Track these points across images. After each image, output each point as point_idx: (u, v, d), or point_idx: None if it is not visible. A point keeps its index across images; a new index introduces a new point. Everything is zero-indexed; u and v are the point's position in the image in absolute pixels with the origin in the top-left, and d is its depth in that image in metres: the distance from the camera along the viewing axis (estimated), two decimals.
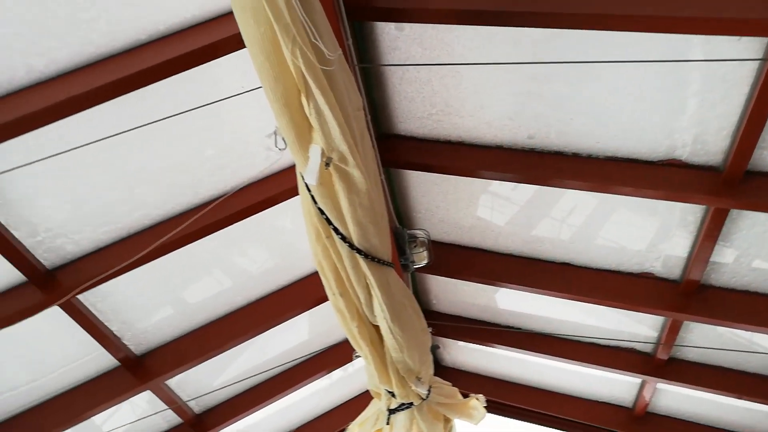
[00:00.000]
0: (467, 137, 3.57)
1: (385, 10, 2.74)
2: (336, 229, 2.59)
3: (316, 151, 2.16)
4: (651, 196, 3.33)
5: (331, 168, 2.24)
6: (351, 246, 2.66)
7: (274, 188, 3.64)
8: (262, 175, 3.64)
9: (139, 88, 2.75)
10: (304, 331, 5.09)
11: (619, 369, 4.81)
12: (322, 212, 2.53)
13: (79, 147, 2.75)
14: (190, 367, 4.23)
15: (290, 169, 3.66)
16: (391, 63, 3.13)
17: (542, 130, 3.38)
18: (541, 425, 5.95)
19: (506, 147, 3.55)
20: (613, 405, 5.55)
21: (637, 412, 5.33)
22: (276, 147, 2.37)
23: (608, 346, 4.86)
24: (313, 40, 1.82)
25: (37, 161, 2.74)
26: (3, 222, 3.06)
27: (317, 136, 2.15)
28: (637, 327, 4.58)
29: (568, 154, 3.44)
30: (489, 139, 3.55)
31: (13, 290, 3.34)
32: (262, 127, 3.45)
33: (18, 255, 3.15)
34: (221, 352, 4.29)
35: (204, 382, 4.83)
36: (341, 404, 6.11)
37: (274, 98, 2.00)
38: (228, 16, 2.89)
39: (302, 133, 2.15)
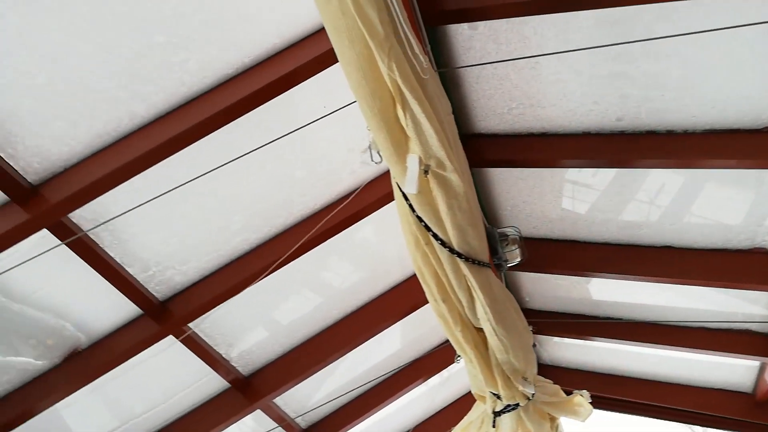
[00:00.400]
0: (551, 127, 3.49)
1: (459, 12, 2.73)
2: (435, 235, 2.60)
3: (413, 160, 2.18)
4: (759, 166, 3.13)
5: (429, 175, 2.24)
6: (451, 250, 2.65)
7: (361, 202, 3.69)
8: (349, 190, 3.71)
9: (231, 121, 2.87)
10: (398, 340, 5.12)
11: (735, 353, 4.52)
12: (420, 219, 2.54)
13: (183, 184, 2.89)
14: (294, 384, 4.35)
15: (373, 183, 3.72)
16: (470, 64, 3.11)
17: (631, 111, 3.25)
18: (653, 417, 5.69)
19: (593, 133, 3.44)
20: (731, 391, 5.22)
21: (759, 397, 4.99)
22: (372, 161, 2.41)
23: (720, 330, 4.58)
24: (409, 52, 1.84)
25: (146, 202, 2.90)
26: (118, 260, 3.28)
27: (414, 145, 2.16)
28: (751, 307, 4.30)
29: (662, 132, 3.29)
30: (574, 127, 3.45)
31: (131, 324, 3.56)
32: (344, 143, 3.52)
33: (133, 290, 3.36)
34: (323, 367, 4.38)
35: (306, 397, 4.95)
36: (440, 410, 6.08)
37: (372, 114, 2.03)
38: (305, 40, 2.97)
39: (399, 144, 2.17)
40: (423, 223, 2.54)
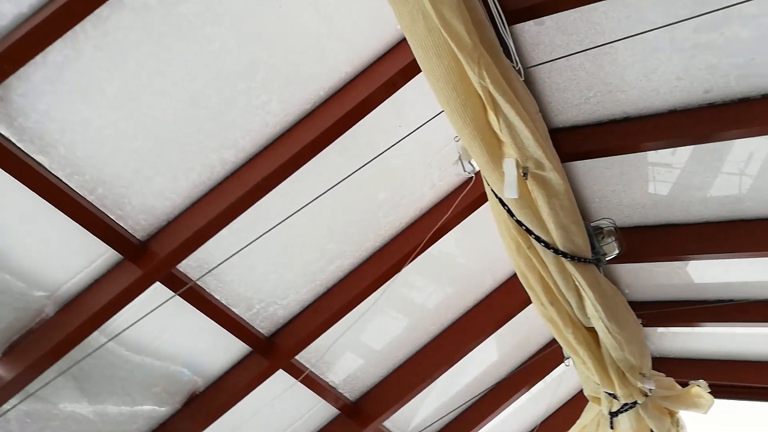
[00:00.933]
0: (633, 111, 3.37)
1: (527, 10, 2.70)
2: (538, 238, 2.55)
3: (510, 164, 2.15)
4: None
5: (528, 177, 2.20)
6: (555, 251, 2.59)
7: (441, 215, 3.68)
8: (431, 204, 3.71)
9: (316, 154, 2.95)
10: (496, 349, 5.03)
11: None
12: (520, 224, 2.50)
13: (280, 222, 2.97)
14: (402, 405, 4.34)
15: (454, 194, 3.71)
16: (548, 59, 3.05)
17: (719, 81, 3.09)
18: None
19: (680, 110, 3.29)
20: None
21: None
22: (465, 172, 2.40)
23: None
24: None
25: (247, 245, 3.00)
26: (224, 302, 3.40)
27: (509, 149, 2.14)
28: None
29: (756, 96, 3.11)
30: (658, 107, 3.31)
31: (242, 362, 3.68)
32: (420, 159, 3.53)
33: (241, 329, 3.48)
34: (427, 385, 4.36)
35: (409, 416, 4.93)
36: (547, 418, 5.90)
37: (464, 124, 2.03)
38: (374, 65, 3.02)
39: (494, 151, 2.15)
40: (524, 227, 2.50)
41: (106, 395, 3.44)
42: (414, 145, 3.44)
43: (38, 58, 2.33)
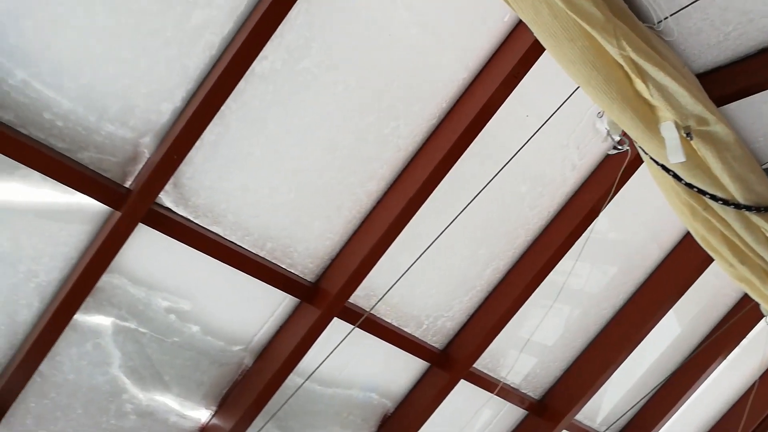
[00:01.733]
0: None
1: None
2: (714, 197, 2.34)
3: (669, 127, 2.02)
4: None
5: (692, 136, 2.05)
6: (737, 206, 2.37)
7: (593, 195, 3.52)
8: (576, 186, 3.57)
9: (452, 166, 2.97)
10: (675, 323, 4.68)
11: None
12: (691, 186, 2.32)
13: (435, 239, 3.02)
14: (591, 396, 4.18)
15: (596, 174, 3.54)
16: (678, 9, 2.84)
17: None
18: None
19: None
20: None
21: None
22: (617, 148, 2.29)
23: None
24: (635, 20, 1.74)
25: (409, 267, 3.07)
26: (396, 324, 3.52)
27: (664, 112, 2.01)
28: None
29: None
30: None
31: (424, 378, 3.77)
32: (554, 142, 3.41)
33: (416, 347, 3.58)
34: (612, 372, 4.16)
35: (597, 405, 4.72)
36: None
37: (611, 100, 1.94)
38: (489, 64, 2.99)
39: (648, 118, 2.03)
40: (695, 189, 2.31)
41: (309, 431, 3.70)
42: (544, 130, 3.34)
43: (197, 142, 2.60)
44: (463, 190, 3.20)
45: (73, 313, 2.68)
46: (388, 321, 3.49)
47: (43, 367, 2.88)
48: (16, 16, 2.21)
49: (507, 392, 3.98)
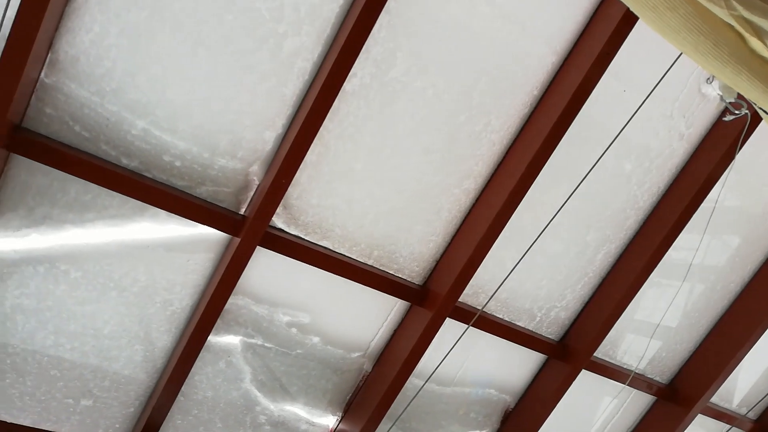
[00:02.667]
0: None
1: None
2: None
3: None
4: None
5: None
6: None
7: (703, 166, 3.30)
8: (686, 156, 3.37)
9: (549, 155, 2.90)
10: None
11: None
12: None
13: (543, 230, 2.99)
14: (725, 377, 3.92)
15: (707, 141, 3.31)
16: None
17: None
18: None
19: None
20: None
21: None
22: (734, 114, 2.14)
23: None
24: None
25: (518, 262, 3.05)
26: (508, 320, 3.50)
27: None
28: None
29: None
30: None
31: (542, 371, 3.71)
32: (657, 112, 3.24)
33: (531, 340, 3.52)
34: (747, 349, 3.88)
35: (732, 387, 4.41)
36: None
37: (723, 63, 1.83)
38: (578, 45, 2.90)
39: (767, 77, 1.88)
40: None
41: (432, 431, 3.75)
42: (637, 104, 3.19)
43: (301, 164, 2.73)
44: (564, 176, 3.13)
45: (207, 335, 2.89)
46: (500, 317, 3.47)
47: (184, 386, 3.14)
48: (132, 73, 2.44)
49: (635, 380, 3.81)
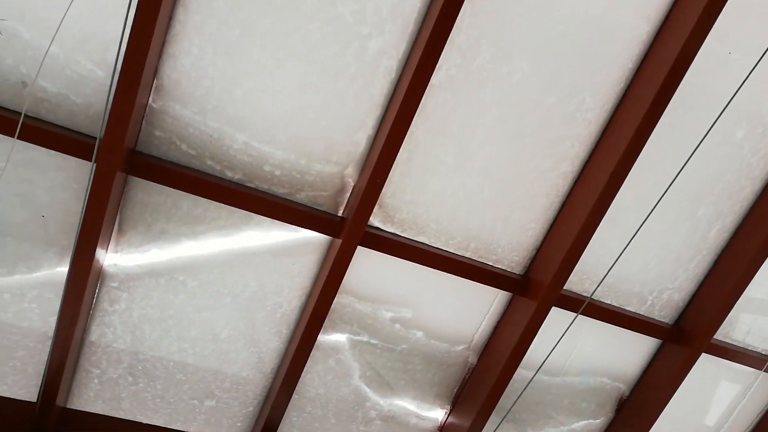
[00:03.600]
0: None
1: None
2: None
3: None
4: None
5: None
6: None
7: None
8: None
9: (653, 129, 2.75)
10: None
11: None
12: None
13: (654, 207, 2.83)
14: None
15: None
16: None
17: None
18: None
19: None
20: None
21: None
22: None
23: None
24: None
25: (630, 241, 2.92)
26: (617, 305, 3.35)
27: None
28: None
29: None
30: None
31: (657, 357, 3.53)
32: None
33: (643, 324, 3.36)
34: None
35: None
36: None
37: None
38: (674, 9, 2.72)
39: None
40: None
41: (543, 422, 3.68)
42: (751, 64, 2.94)
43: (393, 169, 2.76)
44: (668, 150, 2.96)
45: (317, 334, 3.00)
46: (608, 302, 3.33)
47: (298, 385, 3.27)
48: (228, 89, 2.56)
49: (757, 360, 3.55)
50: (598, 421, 3.72)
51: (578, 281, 3.27)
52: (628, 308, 3.37)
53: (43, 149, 2.54)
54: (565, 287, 3.21)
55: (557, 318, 3.26)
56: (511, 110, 2.83)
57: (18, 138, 2.40)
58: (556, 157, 2.96)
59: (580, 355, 3.51)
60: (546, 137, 2.91)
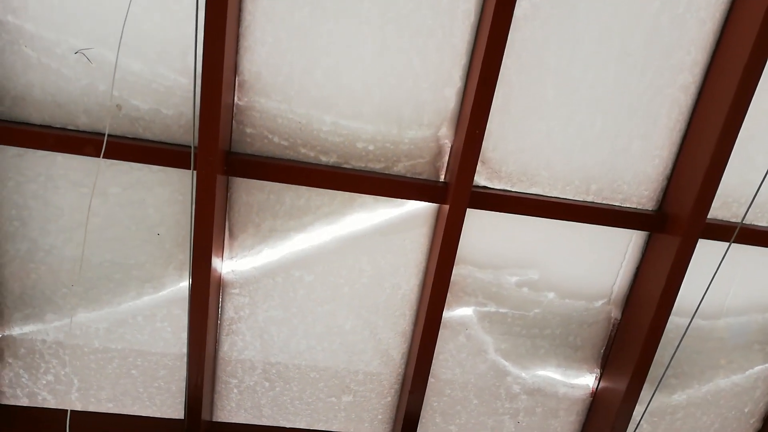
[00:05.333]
0: None
1: None
2: None
3: None
4: None
5: None
6: None
7: None
8: None
9: None
10: None
11: None
12: None
13: None
14: None
15: None
16: None
17: None
18: None
19: None
20: None
21: None
22: None
23: None
24: None
25: None
26: None
27: None
28: None
29: None
30: None
31: None
32: None
33: None
34: None
35: None
36: None
37: None
38: None
39: None
40: None
41: (710, 373, 3.27)
42: None
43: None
44: None
45: (442, 309, 2.84)
46: (763, 225, 2.90)
47: (432, 367, 3.12)
48: (308, 71, 2.50)
49: None
50: None
51: (723, 206, 2.87)
52: None
53: (146, 168, 2.61)
54: (709, 215, 2.84)
55: (703, 253, 2.89)
56: (611, 26, 2.54)
57: (106, 157, 2.46)
58: (671, 69, 2.62)
59: (740, 291, 3.09)
60: (656, 49, 2.58)
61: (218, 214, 2.61)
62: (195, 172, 2.45)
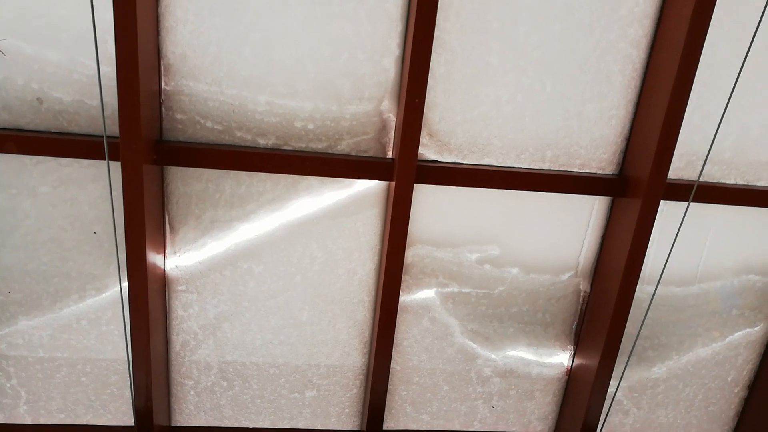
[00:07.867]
0: None
1: None
2: None
3: None
4: None
5: None
6: None
7: None
8: None
9: None
10: None
11: None
12: None
13: None
14: None
15: None
16: None
17: None
18: None
19: None
20: None
21: None
22: None
23: None
24: None
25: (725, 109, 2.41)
26: (741, 182, 2.78)
27: None
28: None
29: None
30: None
31: None
32: None
33: None
34: None
35: None
36: None
37: None
38: None
39: None
40: None
41: (689, 342, 3.13)
42: None
43: (429, 80, 2.43)
44: None
45: (398, 293, 2.70)
46: (731, 182, 2.77)
47: (397, 355, 2.99)
48: (236, 49, 2.36)
49: None
50: (756, 328, 3.12)
51: (688, 165, 2.74)
52: (758, 183, 2.79)
53: (76, 163, 2.48)
54: (672, 175, 2.71)
55: (671, 216, 2.77)
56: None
57: (26, 153, 2.34)
58: (620, 22, 2.48)
59: (713, 254, 2.95)
60: (602, 3, 2.45)
61: (153, 207, 2.48)
62: (112, 163, 2.32)
